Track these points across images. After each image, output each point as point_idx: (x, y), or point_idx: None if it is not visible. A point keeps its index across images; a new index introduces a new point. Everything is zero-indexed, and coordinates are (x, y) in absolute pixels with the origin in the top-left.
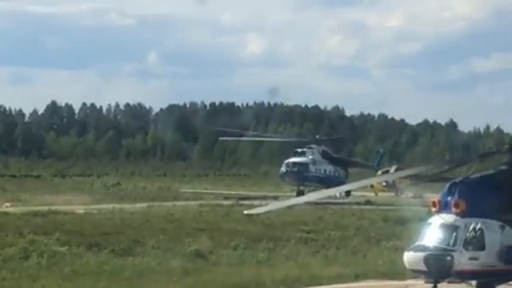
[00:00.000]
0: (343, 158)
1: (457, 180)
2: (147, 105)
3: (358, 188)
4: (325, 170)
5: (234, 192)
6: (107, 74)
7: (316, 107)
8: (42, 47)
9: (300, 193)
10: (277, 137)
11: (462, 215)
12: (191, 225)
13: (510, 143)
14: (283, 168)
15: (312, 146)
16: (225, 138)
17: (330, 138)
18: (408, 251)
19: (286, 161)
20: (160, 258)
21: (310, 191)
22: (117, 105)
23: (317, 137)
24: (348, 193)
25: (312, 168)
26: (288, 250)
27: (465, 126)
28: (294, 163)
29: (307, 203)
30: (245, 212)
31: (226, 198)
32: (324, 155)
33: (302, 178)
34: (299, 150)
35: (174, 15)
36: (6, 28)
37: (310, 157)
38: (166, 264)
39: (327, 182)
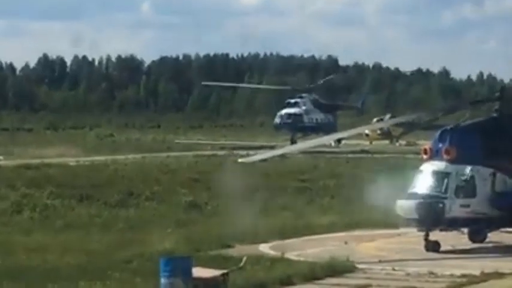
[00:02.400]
0: (330, 103)
1: (447, 127)
2: (139, 57)
3: (353, 135)
4: (317, 119)
5: (229, 143)
6: (98, 25)
7: (312, 57)
8: None
9: (294, 142)
10: (271, 87)
11: (453, 162)
12: (186, 176)
13: (501, 90)
14: (277, 120)
15: (303, 95)
16: (217, 84)
17: (320, 85)
18: (400, 199)
19: (280, 112)
20: (154, 209)
21: (302, 140)
22: (109, 58)
23: (308, 85)
24: (339, 140)
25: (305, 118)
26: (284, 199)
27: (458, 73)
28: (288, 114)
29: (302, 152)
30: (239, 159)
31: (222, 148)
32: (315, 103)
33: (296, 128)
34: (292, 100)
35: None
36: None
37: (303, 107)
38: (160, 216)
39: (320, 130)
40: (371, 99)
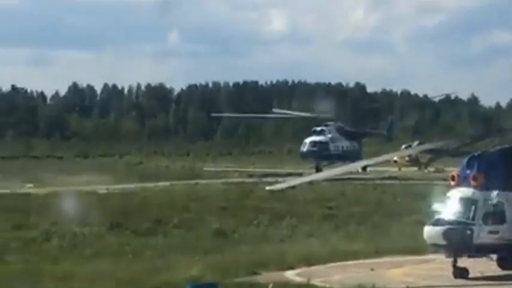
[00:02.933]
0: (356, 131)
1: (475, 154)
2: (168, 85)
3: (381, 161)
4: (342, 147)
5: (258, 170)
6: (127, 54)
7: (339, 85)
8: (62, 27)
9: (319, 170)
10: (294, 114)
11: (481, 188)
12: (214, 204)
13: None
14: (303, 148)
15: (329, 123)
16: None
17: (347, 114)
18: (428, 225)
19: (306, 140)
20: (182, 237)
21: (327, 167)
22: (139, 86)
23: (333, 113)
24: (364, 168)
25: (331, 146)
26: (311, 226)
27: (487, 100)
28: (314, 142)
29: (329, 179)
30: (267, 187)
31: (250, 176)
32: (340, 131)
33: (322, 156)
34: (317, 128)
35: None
36: (26, 8)
37: (329, 135)
38: (188, 243)
39: (345, 158)
40: (399, 125)
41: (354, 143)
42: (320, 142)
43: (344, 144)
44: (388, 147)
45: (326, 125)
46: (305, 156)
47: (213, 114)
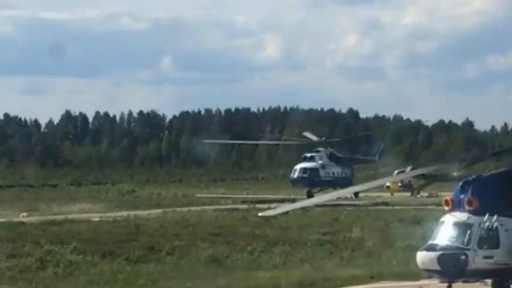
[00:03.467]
0: (346, 157)
1: (469, 178)
2: (160, 113)
3: (374, 187)
4: (333, 173)
5: (251, 196)
6: (119, 81)
7: (332, 110)
8: (55, 55)
9: (310, 196)
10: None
11: (475, 213)
12: (207, 230)
13: None
14: (293, 174)
15: (320, 149)
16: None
17: (336, 140)
18: (421, 250)
19: (296, 167)
20: (175, 264)
21: (319, 193)
22: (131, 113)
23: (323, 139)
24: (356, 194)
25: (321, 172)
26: (304, 253)
27: (482, 125)
28: (304, 168)
29: (322, 205)
30: (260, 214)
31: (244, 202)
32: (331, 157)
33: (313, 183)
34: (308, 155)
35: (187, 18)
36: (19, 36)
37: (320, 162)
38: (181, 270)
39: (336, 184)
40: (391, 151)
41: (345, 169)
42: (310, 169)
43: (335, 170)
44: (381, 172)
45: (317, 151)
46: (295, 182)
47: (205, 141)
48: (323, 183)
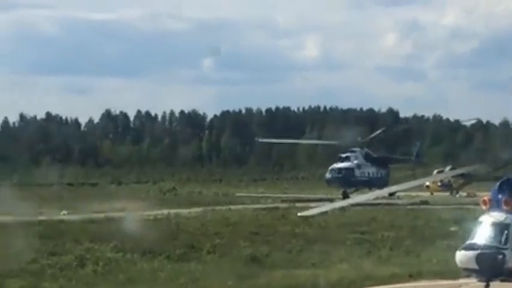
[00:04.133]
0: (382, 156)
1: (507, 178)
2: (201, 112)
3: (413, 187)
4: (368, 173)
5: (290, 196)
6: (161, 81)
7: (371, 110)
8: (97, 54)
9: (346, 196)
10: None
11: None
12: (247, 229)
13: None
14: (328, 174)
15: (355, 149)
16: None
17: (373, 139)
18: (460, 250)
19: (332, 167)
20: (216, 262)
21: (354, 194)
22: (172, 113)
23: (359, 139)
24: (391, 194)
25: (357, 172)
26: (343, 251)
27: None
28: (339, 169)
29: (360, 204)
30: (299, 214)
31: (283, 201)
32: (367, 157)
33: (348, 183)
34: (343, 155)
35: (229, 19)
36: (61, 36)
37: (355, 162)
38: (222, 269)
39: (371, 184)
40: (431, 151)
41: (381, 169)
42: (346, 169)
43: (370, 170)
44: (420, 172)
45: (352, 151)
46: (330, 183)
47: (261, 140)
48: (358, 183)
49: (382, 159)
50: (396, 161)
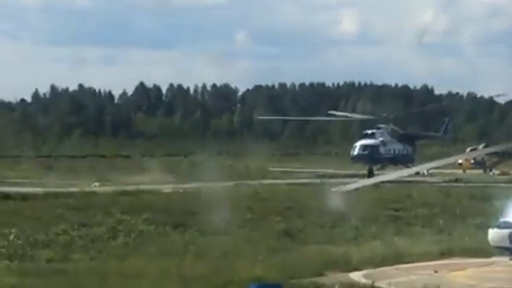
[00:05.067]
0: (409, 133)
1: None
2: (233, 86)
3: (446, 164)
4: (394, 150)
5: (323, 171)
6: (193, 54)
7: (406, 87)
8: (130, 27)
9: (371, 173)
10: (350, 116)
11: None
12: (279, 204)
13: None
14: (353, 151)
15: (381, 125)
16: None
17: (399, 116)
18: (493, 228)
19: (357, 144)
20: (247, 236)
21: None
22: (204, 86)
23: (384, 115)
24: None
25: (381, 149)
26: (376, 228)
27: None
28: (365, 145)
29: (394, 181)
30: (333, 189)
31: (317, 176)
32: (392, 133)
33: (373, 160)
34: (369, 131)
35: None
36: (94, 8)
37: (380, 138)
38: (253, 243)
39: (397, 161)
40: (465, 128)
41: (407, 146)
42: (371, 146)
43: (396, 147)
44: (454, 149)
45: (378, 128)
46: (355, 159)
47: (260, 117)
48: (383, 160)
49: (408, 136)
50: (423, 137)
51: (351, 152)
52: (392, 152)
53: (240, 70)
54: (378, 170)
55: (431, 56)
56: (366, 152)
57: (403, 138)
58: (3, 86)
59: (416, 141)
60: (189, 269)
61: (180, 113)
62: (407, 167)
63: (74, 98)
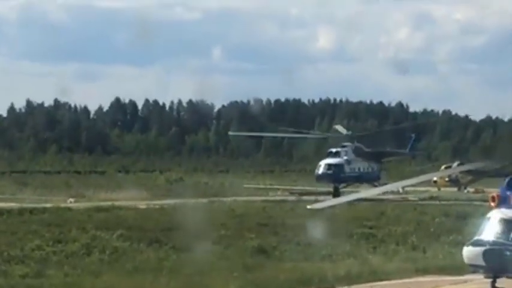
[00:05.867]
0: (374, 150)
1: None
2: (209, 102)
3: (420, 182)
4: (359, 168)
5: (298, 188)
6: (170, 70)
7: (381, 103)
8: (107, 42)
9: (336, 192)
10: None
11: None
12: (254, 221)
13: None
14: (318, 170)
15: (346, 144)
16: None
17: (365, 134)
18: (467, 245)
19: (321, 163)
20: (221, 253)
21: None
22: (180, 102)
23: (349, 133)
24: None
25: (346, 168)
26: (350, 246)
27: None
28: (329, 164)
29: (368, 199)
30: (308, 206)
31: (291, 193)
32: (357, 151)
33: (338, 179)
34: (333, 150)
35: (240, 9)
36: (72, 24)
37: (345, 157)
38: (227, 260)
39: (362, 179)
40: (440, 146)
41: (372, 164)
42: (335, 165)
43: (361, 165)
44: (428, 167)
45: (343, 146)
46: (320, 179)
47: (230, 133)
48: (348, 179)
49: (374, 154)
50: (389, 154)
51: (316, 171)
52: (357, 170)
53: (215, 86)
54: (349, 188)
55: (407, 73)
56: (331, 171)
57: (368, 156)
58: None
59: (382, 159)
60: (164, 286)
61: (156, 129)
62: (374, 185)
63: (50, 113)
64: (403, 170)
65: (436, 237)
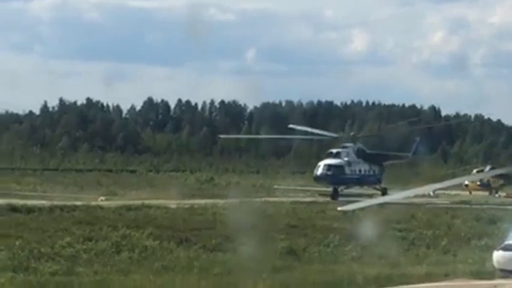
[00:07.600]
0: (377, 153)
1: None
2: (242, 103)
3: (451, 186)
4: (360, 170)
5: (329, 190)
6: (203, 70)
7: (413, 106)
8: (140, 42)
9: (335, 193)
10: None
11: None
12: (283, 222)
13: None
14: (316, 171)
15: (347, 145)
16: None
17: (367, 135)
18: (498, 250)
19: (320, 163)
20: (250, 254)
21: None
22: (212, 102)
23: (352, 133)
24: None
25: (347, 170)
26: (380, 248)
27: None
28: (329, 165)
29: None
30: (338, 208)
31: (321, 195)
32: (359, 153)
33: (337, 181)
34: (334, 151)
35: (274, 10)
36: (105, 23)
37: (346, 158)
38: (257, 261)
39: (363, 182)
40: (472, 150)
41: (374, 166)
42: (335, 166)
43: (362, 167)
44: (461, 171)
45: (344, 147)
46: (318, 180)
47: (223, 136)
48: (348, 181)
49: (376, 156)
50: (392, 157)
51: (314, 172)
52: (358, 172)
53: (248, 87)
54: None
55: (440, 76)
56: (330, 172)
57: (369, 158)
58: (12, 98)
59: (384, 162)
60: (193, 285)
61: (188, 129)
62: (375, 188)
63: (82, 112)
64: (401, 174)
65: (467, 241)
